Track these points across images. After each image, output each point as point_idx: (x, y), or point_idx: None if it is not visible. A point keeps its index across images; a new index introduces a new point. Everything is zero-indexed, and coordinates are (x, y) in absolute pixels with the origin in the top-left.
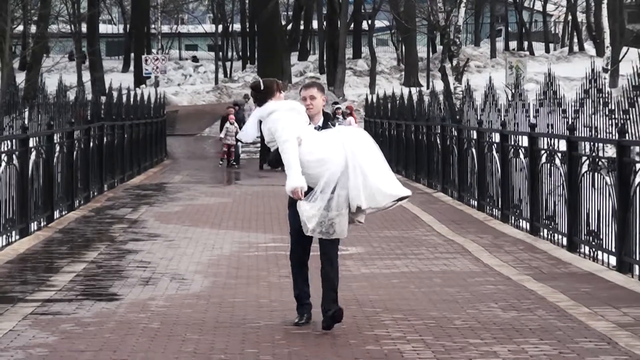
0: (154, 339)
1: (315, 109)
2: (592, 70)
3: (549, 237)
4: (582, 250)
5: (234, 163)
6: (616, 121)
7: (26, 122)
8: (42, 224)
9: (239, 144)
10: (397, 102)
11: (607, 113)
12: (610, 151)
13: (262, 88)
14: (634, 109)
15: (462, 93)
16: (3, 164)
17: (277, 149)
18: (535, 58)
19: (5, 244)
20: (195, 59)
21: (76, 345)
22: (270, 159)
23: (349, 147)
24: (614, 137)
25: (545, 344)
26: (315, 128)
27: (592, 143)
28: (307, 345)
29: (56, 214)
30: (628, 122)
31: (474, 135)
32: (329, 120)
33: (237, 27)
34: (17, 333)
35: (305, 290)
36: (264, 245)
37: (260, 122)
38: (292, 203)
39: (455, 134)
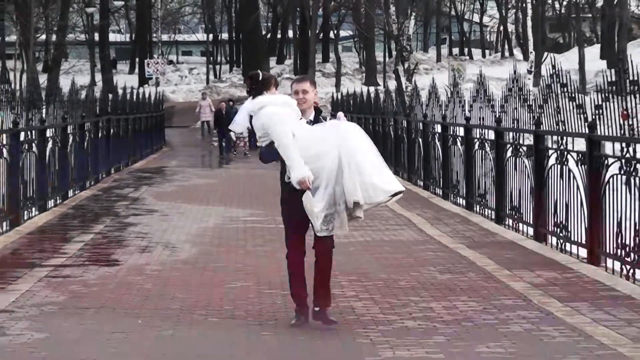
0: (147, 297)
1: (308, 104)
2: (515, 72)
3: (481, 211)
4: (507, 222)
5: (246, 153)
6: (534, 114)
7: (44, 115)
8: (57, 202)
9: (232, 133)
10: (358, 99)
11: (526, 108)
12: (529, 140)
13: (260, 79)
14: (547, 105)
15: (411, 91)
16: (25, 151)
17: (269, 144)
18: (474, 62)
19: (27, 218)
20: (170, 62)
21: (81, 303)
22: (261, 154)
23: (343, 143)
24: (532, 128)
25: (473, 301)
26: (307, 122)
27: (514, 133)
28: (275, 304)
29: (70, 193)
30: (543, 115)
31: (421, 126)
32: (320, 114)
33: (225, 36)
34: (32, 293)
35: (302, 293)
36: (243, 219)
37: (251, 115)
38: (287, 199)
39: (405, 125)
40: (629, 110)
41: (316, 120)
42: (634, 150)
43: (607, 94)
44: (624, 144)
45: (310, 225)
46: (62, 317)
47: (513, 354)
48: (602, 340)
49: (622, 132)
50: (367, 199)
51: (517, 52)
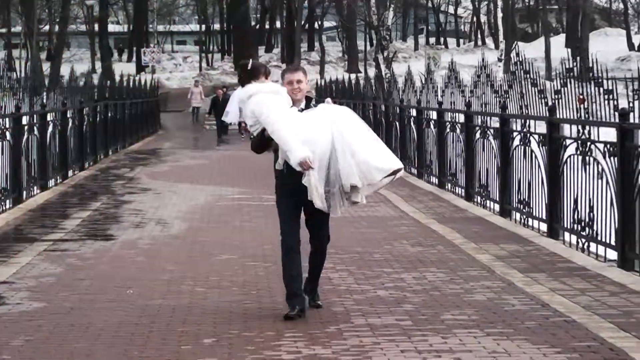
0: (139, 269)
1: (302, 93)
2: (483, 60)
3: (452, 189)
4: (475, 199)
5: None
6: (500, 99)
7: (45, 101)
8: (58, 181)
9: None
10: (341, 85)
11: (493, 93)
12: (496, 123)
13: (248, 68)
14: (512, 90)
15: (389, 78)
16: (26, 134)
17: (260, 132)
18: (449, 50)
19: (28, 197)
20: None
21: (77, 275)
22: (253, 144)
23: (335, 127)
24: (498, 112)
25: (441, 272)
26: (298, 110)
27: (482, 116)
28: (257, 275)
29: (70, 173)
30: (508, 100)
31: (397, 110)
32: (310, 102)
33: (217, 26)
34: (32, 265)
35: (296, 283)
36: (231, 197)
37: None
38: (281, 187)
39: (383, 109)
40: (584, 95)
41: (307, 108)
42: (589, 132)
43: (565, 80)
44: (580, 127)
45: (304, 214)
46: (59, 288)
47: (475, 321)
48: (557, 308)
49: (579, 115)
50: (363, 180)
51: (489, 41)
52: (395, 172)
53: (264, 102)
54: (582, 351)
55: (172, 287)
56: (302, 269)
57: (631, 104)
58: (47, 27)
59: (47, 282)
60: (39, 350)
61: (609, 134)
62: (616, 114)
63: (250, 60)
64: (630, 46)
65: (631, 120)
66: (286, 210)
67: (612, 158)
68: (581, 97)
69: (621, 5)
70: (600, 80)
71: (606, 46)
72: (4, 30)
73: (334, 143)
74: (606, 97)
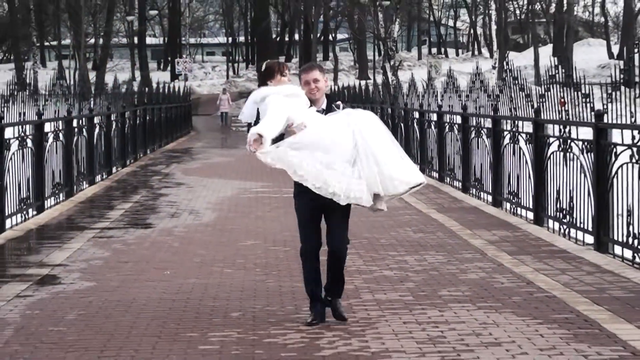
0: (174, 253)
1: (320, 92)
2: (477, 67)
3: (450, 183)
4: (471, 192)
5: None
6: (492, 102)
7: (92, 105)
8: (103, 177)
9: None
10: (352, 90)
11: (486, 97)
12: (489, 123)
13: (262, 69)
14: (502, 94)
15: (395, 84)
16: (76, 135)
17: (276, 138)
18: (449, 59)
19: (78, 190)
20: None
21: (122, 258)
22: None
23: (359, 134)
24: (490, 114)
25: (440, 255)
26: (318, 111)
27: (477, 118)
28: (278, 257)
29: (114, 170)
30: (500, 103)
31: (402, 113)
32: (332, 102)
33: (242, 38)
34: (82, 250)
35: (317, 290)
36: (255, 190)
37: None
38: (300, 192)
39: (390, 112)
40: (565, 98)
41: (328, 108)
42: (569, 131)
43: (548, 86)
44: (561, 126)
45: (323, 217)
46: (106, 269)
47: (468, 296)
48: (541, 285)
49: (561, 116)
50: (386, 190)
51: (485, 51)
52: (417, 186)
53: (277, 102)
54: (560, 322)
55: (204, 268)
56: (320, 274)
57: (605, 106)
58: (92, 40)
59: (96, 264)
60: (90, 323)
61: (587, 133)
62: (592, 114)
63: (268, 60)
64: (610, 55)
65: (605, 121)
66: (306, 215)
67: (589, 154)
68: (562, 100)
69: (602, 19)
70: (578, 85)
71: (589, 55)
72: (55, 43)
73: (358, 148)
74: (584, 100)
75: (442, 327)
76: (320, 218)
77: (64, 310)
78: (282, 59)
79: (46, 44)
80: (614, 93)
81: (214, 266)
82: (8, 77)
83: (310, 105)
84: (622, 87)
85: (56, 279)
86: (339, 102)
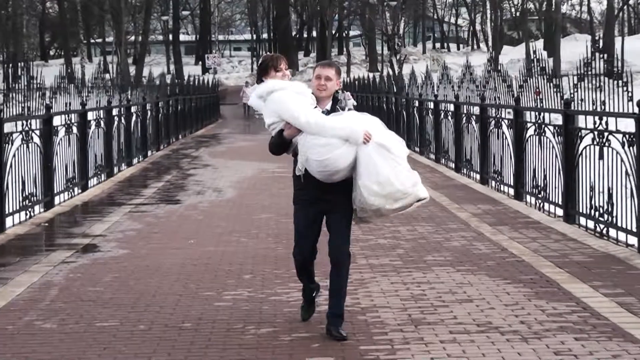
0: (199, 225)
1: (327, 92)
2: (467, 61)
3: (444, 163)
4: (463, 171)
5: None
6: (480, 92)
7: (129, 96)
8: (140, 159)
9: None
10: (362, 82)
11: (474, 87)
12: (477, 111)
13: (259, 63)
14: (488, 85)
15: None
16: (116, 122)
17: (279, 132)
18: (451, 53)
19: (118, 171)
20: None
21: (153, 230)
22: (271, 143)
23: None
24: (478, 102)
25: (429, 225)
26: (322, 112)
27: (467, 106)
28: (288, 229)
29: (149, 153)
30: (486, 93)
31: (404, 101)
32: (337, 104)
33: (265, 35)
34: (119, 223)
35: (310, 293)
36: (272, 170)
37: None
38: (302, 197)
39: (394, 101)
40: (540, 88)
41: (333, 110)
42: (543, 118)
43: (525, 77)
44: (536, 113)
45: (325, 222)
46: (139, 239)
47: (450, 261)
48: (513, 251)
49: (536, 104)
50: (385, 204)
51: (483, 45)
52: (418, 200)
53: (288, 102)
54: (526, 282)
55: (223, 238)
56: (313, 273)
57: (571, 95)
58: (132, 38)
59: (130, 235)
60: (123, 284)
61: (558, 119)
62: (562, 102)
63: (267, 53)
64: (595, 49)
65: (572, 108)
66: (304, 223)
67: (559, 137)
68: (537, 90)
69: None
70: (550, 76)
71: (576, 49)
72: (99, 40)
73: (358, 153)
74: (555, 90)
75: (423, 287)
76: (319, 228)
77: (101, 274)
78: (301, 53)
79: (92, 41)
80: (581, 82)
81: (232, 236)
82: (60, 71)
83: (315, 106)
84: (603, 77)
85: (96, 247)
86: (347, 93)
